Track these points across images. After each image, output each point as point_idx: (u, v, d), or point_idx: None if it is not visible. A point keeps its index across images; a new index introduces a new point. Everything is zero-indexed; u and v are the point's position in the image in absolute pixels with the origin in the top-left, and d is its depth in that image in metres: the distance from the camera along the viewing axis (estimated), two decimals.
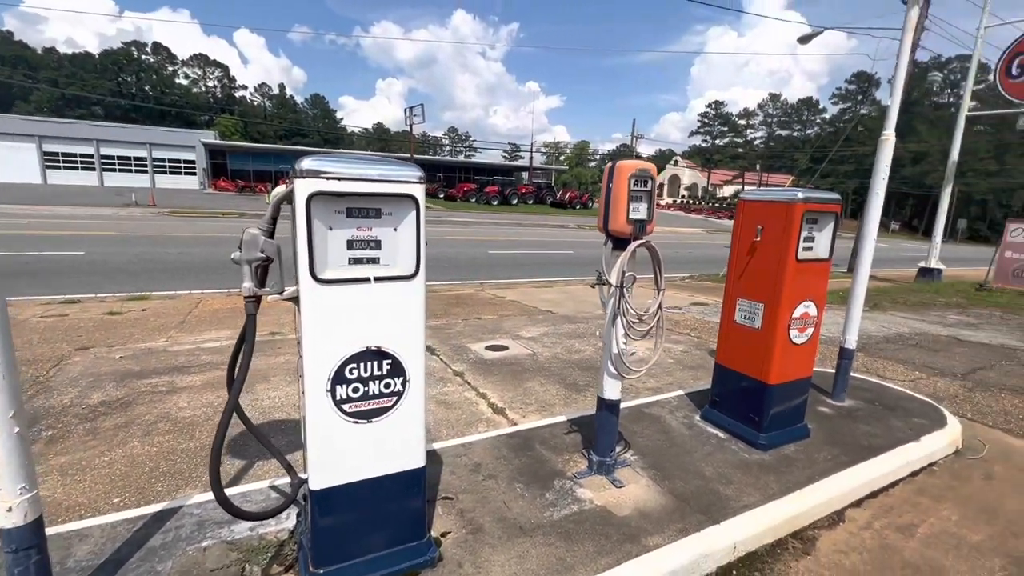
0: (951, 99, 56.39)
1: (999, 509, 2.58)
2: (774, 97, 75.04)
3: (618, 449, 2.69)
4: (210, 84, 77.76)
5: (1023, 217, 24.84)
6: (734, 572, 2.05)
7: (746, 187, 62.48)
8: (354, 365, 1.58)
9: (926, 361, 5.21)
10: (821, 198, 2.69)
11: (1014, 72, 10.84)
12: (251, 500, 2.15)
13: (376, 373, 1.62)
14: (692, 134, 80.00)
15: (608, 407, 2.41)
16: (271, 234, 1.62)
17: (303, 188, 1.42)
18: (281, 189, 1.57)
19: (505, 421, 3.32)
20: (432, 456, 2.57)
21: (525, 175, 50.99)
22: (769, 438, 2.82)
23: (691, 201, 67.54)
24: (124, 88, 67.52)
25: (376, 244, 1.58)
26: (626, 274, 2.21)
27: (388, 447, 1.69)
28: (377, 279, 1.56)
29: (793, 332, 2.77)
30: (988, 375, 4.84)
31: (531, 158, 51.52)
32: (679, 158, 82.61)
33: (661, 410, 3.32)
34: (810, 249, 2.73)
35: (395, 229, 1.60)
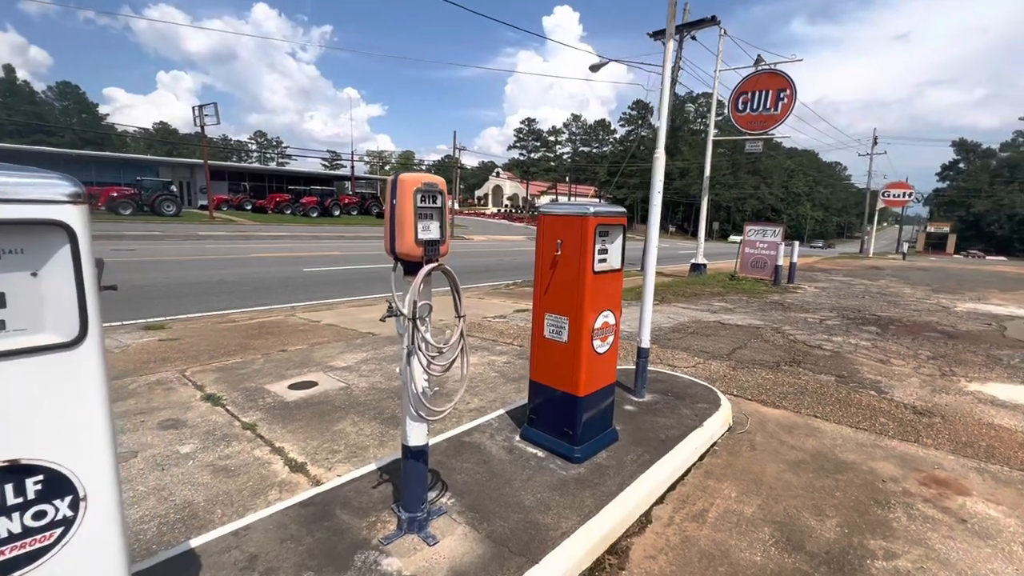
0: (703, 126, 70.75)
1: (763, 477, 2.99)
2: (576, 117, 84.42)
3: (432, 495, 2.40)
4: None
5: (756, 221, 32.27)
6: None
7: (558, 197, 69.17)
8: None
9: (702, 346, 6.12)
10: (610, 212, 2.80)
11: (740, 107, 13.87)
12: None
13: (14, 502, 1.04)
14: (510, 148, 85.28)
15: (414, 455, 2.10)
16: None
17: None
18: None
19: (305, 480, 2.77)
20: (186, 560, 1.93)
21: (348, 184, 48.18)
22: (583, 450, 2.84)
23: (514, 210, 72.09)
24: None
25: None
26: (420, 304, 1.93)
27: None
28: None
29: (596, 342, 2.83)
30: (744, 353, 5.87)
31: (352, 167, 48.83)
32: (500, 170, 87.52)
33: (481, 436, 3.14)
34: (604, 261, 2.83)
35: (33, 274, 1.04)
